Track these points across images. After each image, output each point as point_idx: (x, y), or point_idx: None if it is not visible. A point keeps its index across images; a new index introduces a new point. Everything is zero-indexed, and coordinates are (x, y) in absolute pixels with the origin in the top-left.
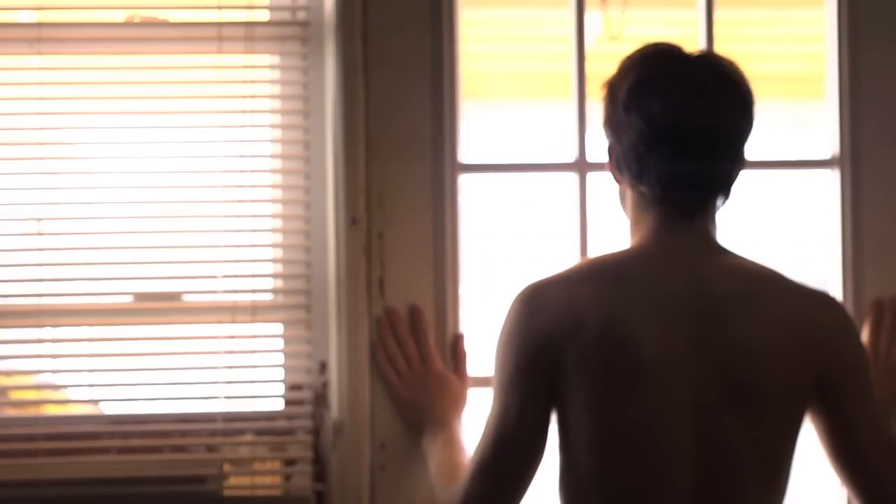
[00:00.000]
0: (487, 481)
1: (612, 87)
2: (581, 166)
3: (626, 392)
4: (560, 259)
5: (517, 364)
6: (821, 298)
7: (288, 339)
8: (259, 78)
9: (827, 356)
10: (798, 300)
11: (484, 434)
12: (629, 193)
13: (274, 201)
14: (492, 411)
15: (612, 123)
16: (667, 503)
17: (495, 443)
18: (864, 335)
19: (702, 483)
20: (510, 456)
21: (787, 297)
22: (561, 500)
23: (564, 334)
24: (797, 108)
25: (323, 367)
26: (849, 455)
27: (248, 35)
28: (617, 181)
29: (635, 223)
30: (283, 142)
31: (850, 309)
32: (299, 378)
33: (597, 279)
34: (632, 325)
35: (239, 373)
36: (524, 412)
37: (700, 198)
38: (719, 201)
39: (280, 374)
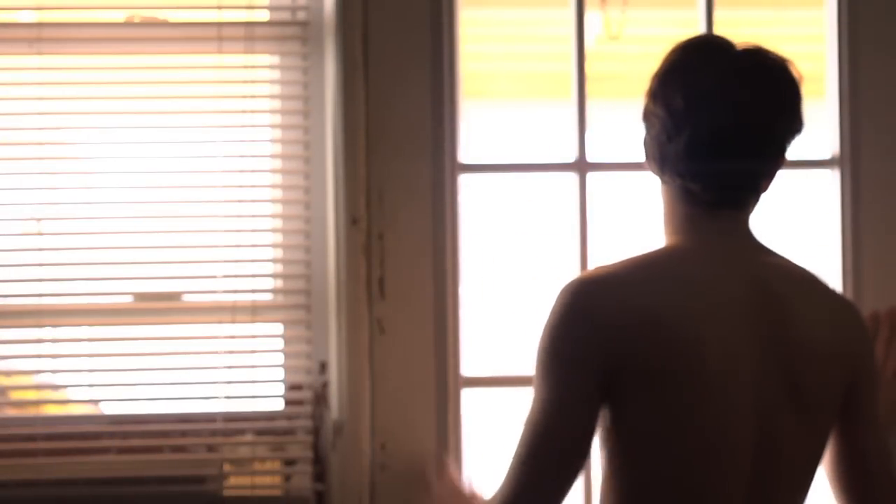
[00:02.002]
0: (535, 476)
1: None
2: (581, 166)
3: (690, 395)
4: (560, 259)
5: (574, 359)
6: (850, 305)
7: (288, 339)
8: (259, 78)
9: (857, 363)
10: (835, 304)
11: (530, 431)
12: (667, 190)
13: (274, 201)
14: (539, 408)
15: (672, 115)
16: None
17: (546, 437)
18: None
19: (755, 490)
20: (561, 454)
21: (829, 300)
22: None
23: (626, 334)
24: None
25: (323, 367)
26: (854, 467)
27: (248, 35)
28: (658, 175)
29: (675, 221)
30: (283, 142)
31: None
32: (299, 378)
33: (657, 278)
34: (695, 325)
35: (239, 373)
36: (579, 409)
37: (745, 197)
38: (758, 200)
39: (280, 374)
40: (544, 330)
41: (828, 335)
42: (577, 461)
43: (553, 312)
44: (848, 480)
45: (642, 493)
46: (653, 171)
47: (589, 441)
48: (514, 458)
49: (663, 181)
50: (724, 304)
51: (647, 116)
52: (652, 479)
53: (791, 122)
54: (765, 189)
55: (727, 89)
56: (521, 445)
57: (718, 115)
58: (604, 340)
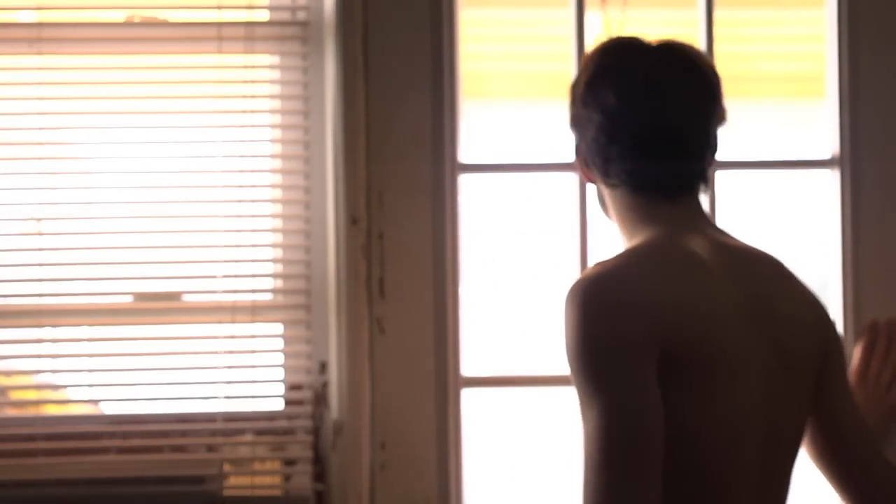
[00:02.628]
0: (638, 488)
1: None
2: None
3: (715, 383)
4: (560, 259)
5: (628, 351)
6: (803, 281)
7: (288, 339)
8: (259, 78)
9: (828, 342)
10: (799, 282)
11: (613, 442)
12: (616, 191)
13: (274, 201)
14: (613, 413)
15: (609, 116)
16: (742, 498)
17: (636, 441)
18: (856, 356)
19: (766, 472)
20: (654, 453)
21: (794, 277)
22: None
23: (659, 321)
24: (797, 108)
25: (323, 367)
26: (837, 447)
27: (248, 35)
28: (599, 182)
29: (634, 217)
30: (283, 142)
31: (849, 309)
32: (299, 378)
33: (662, 268)
34: (711, 311)
35: (239, 373)
36: (653, 400)
37: (698, 183)
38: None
39: (280, 374)
40: (578, 334)
41: (804, 312)
42: (661, 457)
43: (583, 314)
44: (828, 454)
45: (668, 483)
46: (592, 176)
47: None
48: (602, 478)
49: (608, 184)
50: (724, 289)
51: (579, 122)
52: (676, 471)
53: (721, 108)
54: (709, 170)
55: (659, 84)
56: (605, 463)
57: (657, 109)
58: (644, 326)
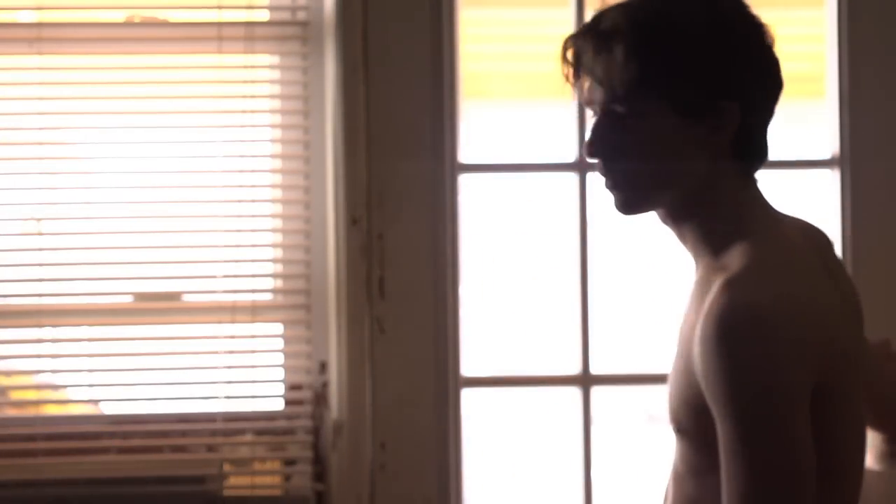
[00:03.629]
0: None
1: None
2: (581, 166)
3: (847, 406)
4: (560, 259)
5: (799, 388)
6: None
7: (288, 339)
8: (259, 78)
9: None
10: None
11: (786, 481)
12: (727, 183)
13: (274, 201)
14: (780, 449)
15: (751, 95)
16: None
17: (806, 483)
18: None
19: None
20: (813, 495)
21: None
22: None
23: (821, 350)
24: (797, 108)
25: (323, 367)
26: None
27: (248, 35)
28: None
29: (739, 210)
30: (283, 142)
31: None
32: (299, 378)
33: (817, 281)
34: (847, 335)
35: (239, 373)
36: (810, 444)
37: None
38: None
39: (280, 374)
40: (758, 358)
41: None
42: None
43: (763, 335)
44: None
45: None
46: (692, 169)
47: None
48: None
49: (715, 172)
50: (836, 288)
51: (711, 111)
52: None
53: None
54: None
55: (771, 47)
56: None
57: (778, 78)
58: (811, 358)
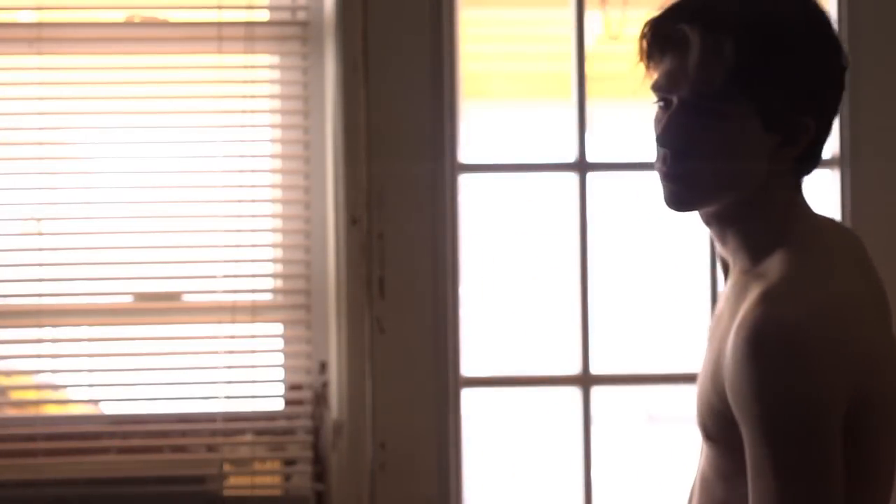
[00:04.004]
0: None
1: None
2: (581, 166)
3: (885, 409)
4: (560, 259)
5: (830, 405)
6: None
7: (288, 339)
8: (259, 78)
9: None
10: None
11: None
12: (780, 191)
13: (274, 201)
14: (813, 474)
15: (827, 108)
16: None
17: None
18: None
19: None
20: None
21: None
22: None
23: (856, 363)
24: None
25: (323, 367)
26: None
27: (248, 35)
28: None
29: (789, 216)
30: (283, 142)
31: None
32: (299, 378)
33: (854, 290)
34: (877, 331)
35: (239, 373)
36: (839, 463)
37: None
38: None
39: (280, 374)
40: (790, 375)
41: None
42: None
43: (797, 351)
44: None
45: None
46: (753, 175)
47: None
48: None
49: (772, 180)
50: (874, 294)
51: (793, 125)
52: None
53: None
54: None
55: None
56: None
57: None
58: (845, 373)
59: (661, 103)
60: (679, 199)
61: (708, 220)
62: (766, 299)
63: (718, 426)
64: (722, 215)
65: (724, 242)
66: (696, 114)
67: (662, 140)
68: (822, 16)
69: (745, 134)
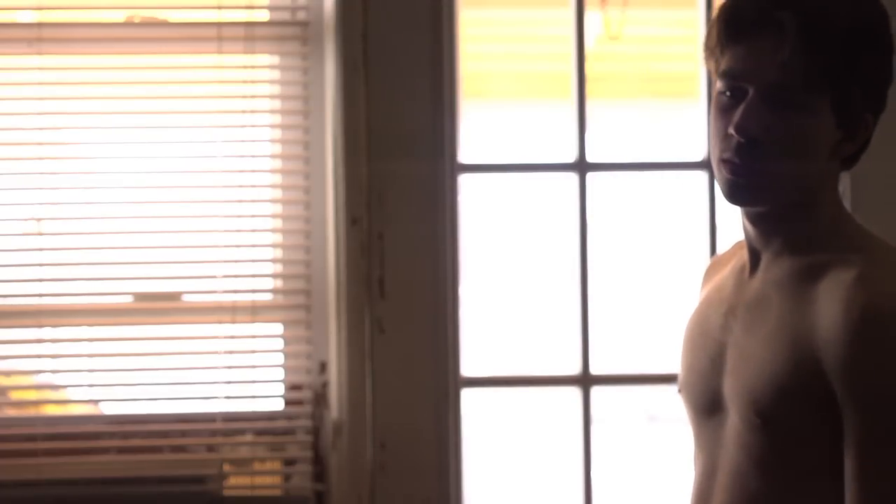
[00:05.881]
0: None
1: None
2: (581, 166)
3: None
4: (560, 259)
5: None
6: None
7: (288, 339)
8: (259, 78)
9: None
10: None
11: None
12: (831, 190)
13: (274, 201)
14: None
15: (889, 85)
16: None
17: None
18: None
19: None
20: None
21: None
22: None
23: None
24: None
25: (323, 367)
26: None
27: (248, 35)
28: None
29: (838, 216)
30: (283, 142)
31: None
32: (299, 378)
33: None
34: None
35: (239, 373)
36: None
37: None
38: None
39: (280, 374)
40: None
41: None
42: None
43: None
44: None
45: None
46: (815, 171)
47: None
48: None
49: (827, 176)
50: None
51: (859, 122)
52: None
53: None
54: None
55: None
56: None
57: None
58: None
59: (729, 92)
60: (743, 191)
61: (756, 217)
62: (865, 280)
63: (783, 404)
64: (776, 211)
65: (767, 237)
66: (779, 105)
67: (742, 130)
68: (888, 14)
69: (821, 130)
